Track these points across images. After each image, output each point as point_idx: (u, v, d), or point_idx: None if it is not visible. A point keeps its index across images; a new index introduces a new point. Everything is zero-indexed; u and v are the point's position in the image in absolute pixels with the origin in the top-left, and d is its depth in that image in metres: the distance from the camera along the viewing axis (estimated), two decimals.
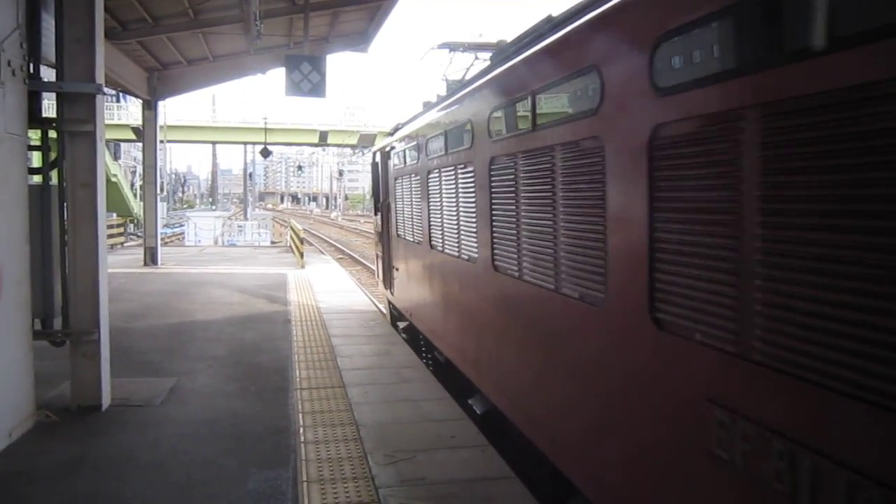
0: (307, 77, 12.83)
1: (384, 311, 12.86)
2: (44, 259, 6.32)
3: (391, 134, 11.59)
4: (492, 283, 5.98)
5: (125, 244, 28.76)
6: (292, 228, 26.05)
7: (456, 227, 7.07)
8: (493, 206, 5.75)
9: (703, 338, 2.91)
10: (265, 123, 54.30)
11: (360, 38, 17.27)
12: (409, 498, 4.73)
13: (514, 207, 5.26)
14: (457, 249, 7.12)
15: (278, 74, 14.75)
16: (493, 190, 5.76)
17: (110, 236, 24.18)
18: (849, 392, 2.18)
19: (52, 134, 6.54)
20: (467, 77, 8.12)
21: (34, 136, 6.50)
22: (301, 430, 6.05)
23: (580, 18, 4.14)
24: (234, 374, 7.94)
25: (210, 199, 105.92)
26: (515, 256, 5.30)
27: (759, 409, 2.58)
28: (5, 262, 5.67)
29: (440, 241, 7.87)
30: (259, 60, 17.64)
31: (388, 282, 12.00)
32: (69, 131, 6.44)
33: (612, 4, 3.73)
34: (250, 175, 68.56)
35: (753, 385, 2.61)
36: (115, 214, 32.16)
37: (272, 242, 34.98)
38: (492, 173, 5.76)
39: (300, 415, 6.48)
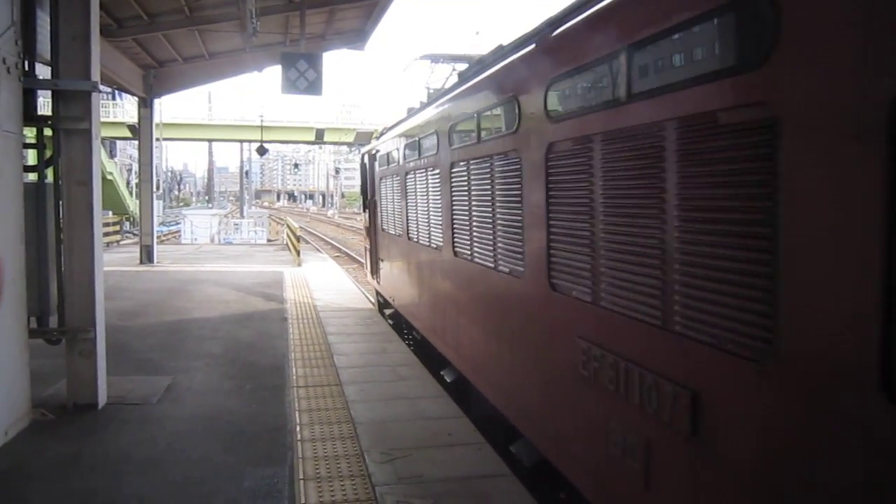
0: (303, 75, 12.82)
1: (373, 300, 13.52)
2: (39, 257, 6.31)
3: (377, 138, 12.86)
4: (452, 266, 7.18)
5: (121, 242, 28.71)
6: (289, 226, 26.03)
7: (427, 220, 8.21)
8: (453, 203, 6.90)
9: (575, 294, 4.16)
10: (262, 121, 54.19)
11: (356, 36, 17.24)
12: (406, 496, 4.74)
13: (467, 204, 6.42)
14: (427, 239, 8.28)
15: (275, 72, 14.77)
16: (452, 189, 6.91)
17: (106, 234, 24.13)
18: (650, 322, 3.33)
19: (48, 132, 6.53)
20: (443, 87, 9.24)
21: (29, 133, 6.49)
22: (298, 428, 6.05)
23: (510, 56, 5.34)
24: (230, 372, 7.94)
25: (206, 197, 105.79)
26: (468, 243, 6.46)
27: (602, 339, 3.84)
28: (1, 260, 5.66)
29: (415, 232, 9.00)
30: (255, 58, 17.60)
31: (375, 272, 13.06)
32: (65, 129, 6.42)
33: (525, 52, 4.99)
34: (247, 173, 68.46)
35: (599, 324, 3.88)
36: (110, 212, 32.08)
37: (269, 240, 34.97)
38: (451, 176, 6.91)
39: (297, 413, 6.49)
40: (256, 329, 10.44)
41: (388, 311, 12.31)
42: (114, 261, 19.11)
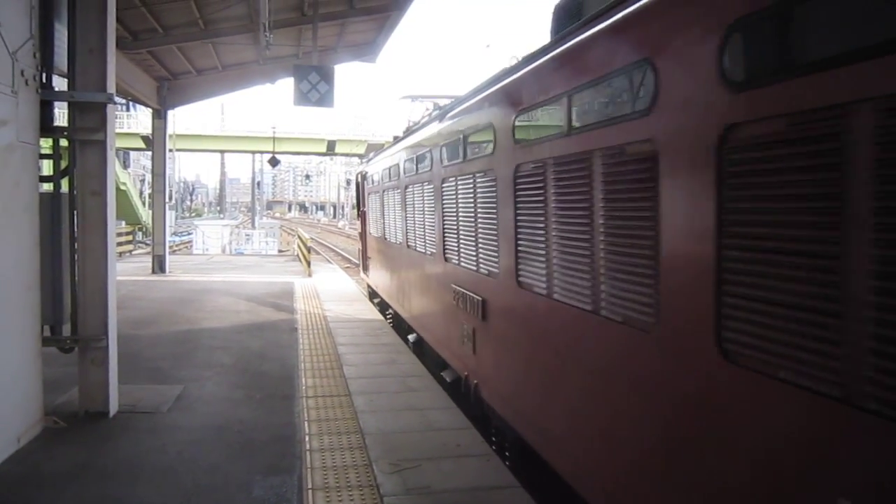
0: (315, 87, 12.92)
1: (371, 299, 15.82)
2: (54, 266, 6.37)
3: (367, 162, 17.01)
4: (409, 257, 10.26)
5: (134, 252, 28.91)
6: (299, 237, 26.15)
7: (396, 224, 11.41)
8: (407, 212, 10.22)
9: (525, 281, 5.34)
10: (273, 132, 54.54)
11: (368, 49, 17.39)
12: None
13: (421, 213, 9.21)
14: (395, 238, 11.52)
15: (287, 84, 14.90)
16: (406, 202, 10.24)
17: (119, 244, 24.31)
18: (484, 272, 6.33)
19: (64, 142, 6.62)
20: (407, 128, 12.02)
21: (45, 144, 6.58)
22: (307, 438, 6.07)
23: (445, 113, 7.76)
24: (240, 382, 7.98)
25: (218, 208, 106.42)
26: (422, 240, 9.15)
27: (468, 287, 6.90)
28: (16, 268, 5.73)
29: (391, 234, 12.04)
30: (268, 70, 17.78)
31: (365, 267, 16.96)
32: (80, 140, 6.51)
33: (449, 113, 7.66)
34: (258, 184, 68.87)
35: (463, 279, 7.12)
36: (123, 222, 32.36)
37: (279, 251, 35.12)
38: (406, 193, 10.18)
39: (306, 423, 6.51)
40: (266, 339, 10.48)
41: (376, 300, 15.18)
42: (126, 270, 19.24)
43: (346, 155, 66.02)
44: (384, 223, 12.65)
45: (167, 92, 18.75)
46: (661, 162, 3.37)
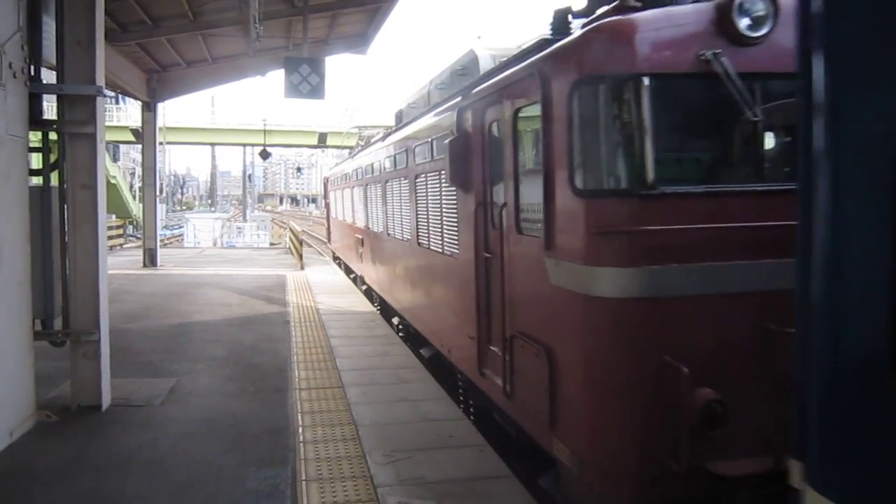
0: (306, 79, 12.84)
1: (330, 258, 21.91)
2: (44, 260, 6.35)
3: (331, 169, 26.30)
4: (347, 226, 16.64)
5: (124, 246, 28.78)
6: (291, 230, 26.08)
7: (343, 209, 17.89)
8: (346, 202, 16.74)
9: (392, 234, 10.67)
10: (264, 125, 54.22)
11: (359, 41, 17.30)
12: (408, 497, 4.77)
13: (350, 202, 15.77)
14: (342, 217, 18.07)
15: (278, 76, 14.82)
16: (345, 196, 16.92)
17: (110, 238, 24.19)
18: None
19: (53, 136, 6.59)
20: (352, 150, 20.21)
21: (35, 137, 6.54)
22: (300, 430, 6.09)
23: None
24: (233, 375, 7.98)
25: (209, 201, 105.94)
26: (352, 216, 15.52)
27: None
28: (6, 262, 5.71)
29: (341, 215, 18.56)
30: (258, 62, 17.66)
31: (329, 238, 24.18)
32: (69, 133, 6.48)
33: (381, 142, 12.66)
34: (249, 177, 68.61)
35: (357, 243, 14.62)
36: (114, 216, 32.20)
37: (271, 244, 35.04)
38: (344, 192, 17.05)
39: (299, 415, 6.52)
40: (259, 332, 10.48)
41: (337, 261, 21.80)
42: (117, 264, 19.15)
43: (338, 147, 65.81)
44: (337, 208, 19.94)
45: (157, 84, 18.60)
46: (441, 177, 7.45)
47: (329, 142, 61.26)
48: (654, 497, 4.00)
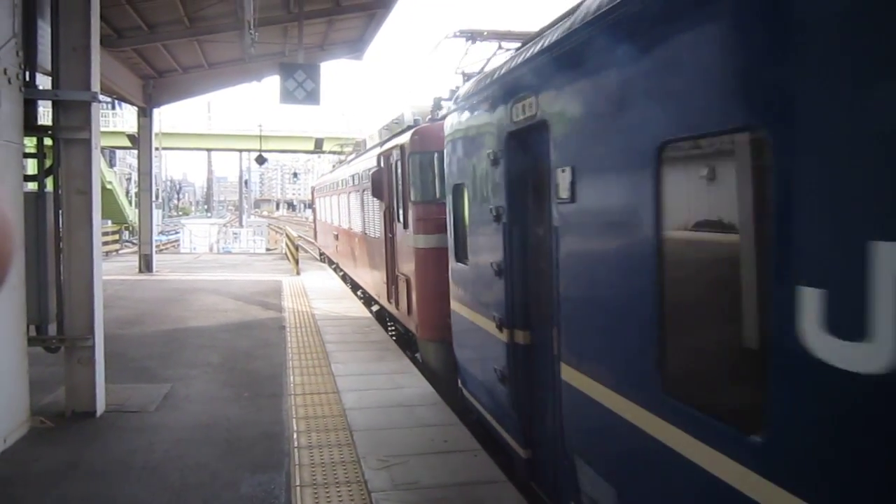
0: (301, 85, 12.87)
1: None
2: (39, 265, 6.35)
3: (319, 178, 32.52)
4: (328, 225, 21.88)
5: (120, 251, 28.71)
6: (287, 236, 26.09)
7: (324, 212, 23.24)
8: (325, 207, 22.71)
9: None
10: (261, 131, 54.24)
11: (354, 46, 17.34)
12: (402, 502, 4.78)
13: (329, 208, 21.18)
14: (328, 220, 21.65)
15: (274, 82, 14.82)
16: (326, 203, 22.49)
17: (105, 243, 24.14)
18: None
19: (48, 141, 6.59)
20: (331, 168, 27.99)
21: (30, 143, 6.55)
22: (295, 436, 6.09)
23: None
24: (228, 381, 7.97)
25: (205, 207, 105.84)
26: (330, 217, 20.78)
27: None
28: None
29: (323, 216, 23.69)
30: (254, 68, 17.68)
31: (315, 236, 29.35)
32: (65, 139, 6.49)
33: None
34: (246, 182, 68.57)
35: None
36: (109, 221, 32.11)
37: (267, 249, 34.97)
38: (325, 199, 22.92)
39: (294, 420, 6.52)
40: (254, 338, 10.47)
41: (322, 257, 26.40)
42: (113, 270, 19.13)
43: (334, 153, 65.87)
44: (321, 211, 25.22)
45: (153, 90, 18.63)
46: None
47: (325, 147, 61.19)
48: (440, 338, 8.11)
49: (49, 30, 6.44)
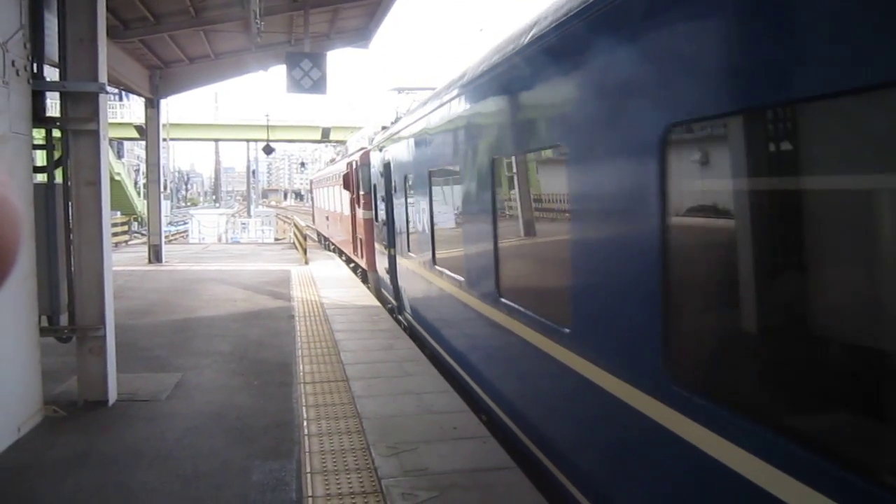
0: (308, 74, 12.89)
1: (315, 238, 25.66)
2: (49, 256, 6.39)
3: (315, 173, 47.84)
4: (323, 211, 30.23)
5: (129, 242, 28.89)
6: (295, 225, 26.17)
7: (320, 200, 31.73)
8: (320, 196, 31.80)
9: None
10: (268, 120, 54.40)
11: (360, 35, 17.31)
12: (412, 488, 4.81)
13: (323, 198, 29.75)
14: (321, 206, 31.00)
15: (280, 71, 14.84)
16: (320, 194, 31.87)
17: (114, 234, 24.29)
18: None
19: (56, 133, 6.61)
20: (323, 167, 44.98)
21: (38, 135, 6.58)
22: (305, 423, 6.13)
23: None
24: (238, 369, 8.03)
25: (213, 197, 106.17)
26: (326, 204, 28.19)
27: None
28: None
29: (320, 204, 31.78)
30: (260, 58, 17.70)
31: (314, 221, 35.79)
32: (73, 130, 6.51)
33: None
34: (253, 172, 68.69)
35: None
36: (119, 213, 32.29)
37: (276, 239, 35.13)
38: (319, 191, 32.75)
39: (304, 408, 6.56)
40: (264, 327, 10.53)
41: (324, 242, 30.89)
42: (122, 260, 19.25)
43: (341, 142, 65.87)
44: (318, 200, 32.69)
45: (160, 81, 18.66)
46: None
47: (333, 136, 61.34)
48: (374, 269, 15.26)
49: (56, 21, 6.45)
